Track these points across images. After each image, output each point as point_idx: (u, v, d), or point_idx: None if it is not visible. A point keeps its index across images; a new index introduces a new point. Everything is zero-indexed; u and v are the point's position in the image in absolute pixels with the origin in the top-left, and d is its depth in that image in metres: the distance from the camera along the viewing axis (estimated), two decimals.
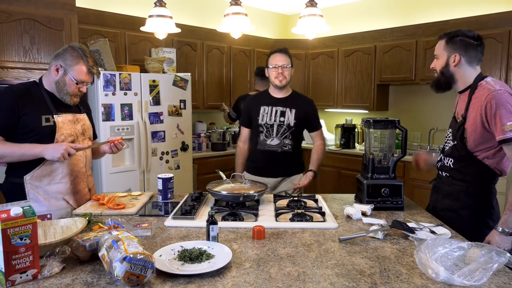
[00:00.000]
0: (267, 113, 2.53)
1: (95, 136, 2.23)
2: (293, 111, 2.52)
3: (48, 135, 1.86)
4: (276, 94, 2.58)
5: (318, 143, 2.68)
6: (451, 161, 1.87)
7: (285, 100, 2.56)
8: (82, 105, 2.10)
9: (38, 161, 1.86)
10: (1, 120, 1.81)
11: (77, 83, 1.90)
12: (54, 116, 1.90)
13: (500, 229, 1.63)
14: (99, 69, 2.07)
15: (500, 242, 1.61)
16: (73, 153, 1.82)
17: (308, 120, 2.61)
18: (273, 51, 2.57)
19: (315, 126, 2.67)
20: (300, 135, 2.61)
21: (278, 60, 2.49)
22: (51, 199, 1.90)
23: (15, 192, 1.84)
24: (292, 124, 2.51)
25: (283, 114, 2.52)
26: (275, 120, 2.52)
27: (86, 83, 1.94)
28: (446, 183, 1.90)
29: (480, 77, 1.80)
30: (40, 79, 1.96)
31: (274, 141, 2.51)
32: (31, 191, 1.86)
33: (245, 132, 2.71)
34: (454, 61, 1.81)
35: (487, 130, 1.70)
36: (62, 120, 1.92)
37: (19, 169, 1.86)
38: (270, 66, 2.51)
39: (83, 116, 2.07)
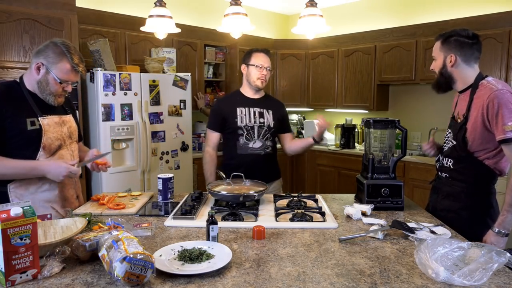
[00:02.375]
0: (245, 115, 2.41)
1: (80, 138, 2.09)
2: (270, 112, 2.46)
3: (34, 140, 1.75)
4: (250, 95, 2.48)
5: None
6: (450, 161, 1.87)
7: (261, 101, 2.48)
8: (67, 105, 1.96)
9: None
10: None
11: (61, 83, 1.76)
12: (39, 118, 1.76)
13: (497, 230, 1.63)
14: (99, 69, 1.99)
15: (496, 243, 1.61)
16: (76, 172, 1.74)
17: (283, 123, 2.56)
18: (257, 50, 2.45)
19: (288, 128, 2.63)
20: (275, 137, 2.56)
21: (264, 61, 2.40)
22: (39, 208, 1.77)
23: None
24: (272, 125, 2.45)
25: (261, 115, 2.44)
26: (255, 122, 2.42)
27: (71, 82, 1.80)
28: (446, 184, 1.90)
29: (481, 77, 1.80)
30: (21, 78, 1.81)
31: (256, 144, 2.42)
32: (15, 200, 1.73)
33: (215, 137, 2.49)
34: (450, 61, 1.81)
35: (487, 130, 1.70)
36: (48, 122, 1.79)
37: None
38: (253, 65, 2.40)
39: (69, 118, 1.94)
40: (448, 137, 1.93)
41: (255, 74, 2.41)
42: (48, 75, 1.75)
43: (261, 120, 2.44)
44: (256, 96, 2.49)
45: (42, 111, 1.80)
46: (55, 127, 1.83)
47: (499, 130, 1.64)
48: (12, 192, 1.75)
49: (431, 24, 4.08)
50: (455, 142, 1.84)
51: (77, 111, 2.14)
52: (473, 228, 1.76)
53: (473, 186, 1.80)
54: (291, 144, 2.59)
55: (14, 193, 1.75)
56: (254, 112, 2.44)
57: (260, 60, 2.40)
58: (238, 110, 2.42)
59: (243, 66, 2.46)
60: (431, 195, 2.04)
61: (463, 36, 1.79)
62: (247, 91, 2.49)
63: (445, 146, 1.94)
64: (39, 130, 1.76)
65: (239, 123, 2.40)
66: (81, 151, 2.10)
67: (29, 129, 1.73)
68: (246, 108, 2.44)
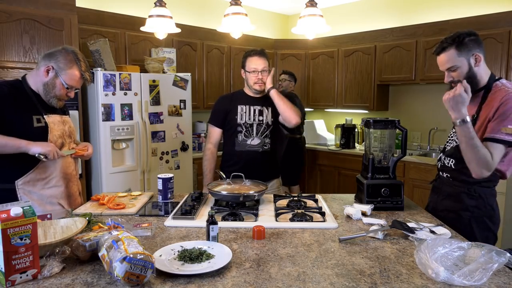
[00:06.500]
0: (245, 112, 2.44)
1: None
2: (270, 109, 2.47)
3: (39, 136, 1.80)
4: (252, 93, 2.50)
5: None
6: (452, 161, 1.86)
7: (262, 99, 2.49)
8: (64, 107, 2.04)
9: (31, 165, 1.80)
10: None
11: (67, 88, 1.85)
12: (44, 116, 1.84)
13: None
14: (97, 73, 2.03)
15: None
16: (60, 155, 1.79)
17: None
18: (250, 53, 2.44)
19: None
20: (276, 134, 2.55)
21: (258, 64, 2.39)
22: (46, 204, 1.85)
23: (6, 199, 1.63)
24: (270, 122, 2.46)
25: (261, 113, 2.46)
26: (254, 120, 2.44)
27: (75, 89, 1.90)
28: (447, 184, 1.89)
29: (493, 78, 1.76)
30: (24, 77, 1.88)
31: (254, 141, 2.44)
32: (24, 197, 1.79)
33: (217, 133, 2.52)
34: (475, 60, 1.72)
35: None
36: (52, 120, 1.87)
37: (10, 173, 1.79)
38: (248, 70, 2.42)
39: (68, 118, 2.02)
40: (451, 137, 1.91)
41: (251, 79, 2.43)
42: (56, 79, 1.83)
43: (260, 118, 2.46)
44: (258, 95, 2.51)
45: (46, 109, 1.88)
46: (58, 125, 1.91)
47: (495, 127, 1.62)
48: (20, 189, 1.81)
49: (431, 24, 4.08)
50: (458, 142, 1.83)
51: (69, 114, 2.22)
52: (473, 229, 1.75)
53: (474, 187, 1.79)
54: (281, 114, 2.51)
55: (22, 190, 1.81)
56: (254, 110, 2.46)
57: (253, 64, 2.40)
58: (239, 107, 2.46)
59: (242, 71, 2.50)
60: (431, 195, 2.03)
61: (472, 35, 1.73)
62: (248, 91, 2.53)
63: (447, 145, 1.92)
64: (45, 128, 1.83)
65: (238, 120, 2.44)
66: None
67: (36, 126, 1.80)
68: (247, 106, 2.47)
